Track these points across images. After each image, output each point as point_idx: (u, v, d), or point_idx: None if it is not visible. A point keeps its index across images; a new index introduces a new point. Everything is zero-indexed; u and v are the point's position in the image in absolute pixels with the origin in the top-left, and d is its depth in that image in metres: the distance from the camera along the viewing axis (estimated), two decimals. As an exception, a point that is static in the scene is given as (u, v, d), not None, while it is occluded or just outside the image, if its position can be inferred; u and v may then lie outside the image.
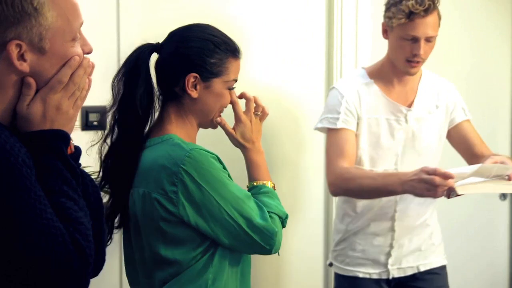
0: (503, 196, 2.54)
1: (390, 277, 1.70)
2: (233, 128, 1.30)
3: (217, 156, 1.21)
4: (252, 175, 1.27)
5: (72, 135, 1.80)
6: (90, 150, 1.86)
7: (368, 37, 2.30)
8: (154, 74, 1.27)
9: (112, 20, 1.89)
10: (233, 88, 1.27)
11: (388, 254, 1.68)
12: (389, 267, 1.70)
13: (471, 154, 1.79)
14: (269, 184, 1.26)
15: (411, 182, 1.44)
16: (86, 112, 1.85)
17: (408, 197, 1.65)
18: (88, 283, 0.92)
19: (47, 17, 0.86)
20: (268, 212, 1.18)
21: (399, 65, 1.66)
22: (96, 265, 0.95)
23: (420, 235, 1.75)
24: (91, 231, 0.90)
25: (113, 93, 1.23)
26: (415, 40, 1.61)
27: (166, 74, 1.22)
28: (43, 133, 0.87)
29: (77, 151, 0.96)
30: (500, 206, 2.59)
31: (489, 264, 2.58)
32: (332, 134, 1.62)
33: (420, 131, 1.72)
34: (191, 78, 1.19)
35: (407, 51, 1.63)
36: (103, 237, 1.00)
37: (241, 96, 1.31)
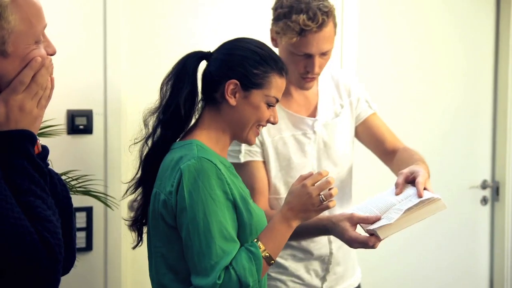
0: (484, 201, 2.51)
1: None
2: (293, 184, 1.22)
3: (225, 178, 1.15)
4: (263, 231, 1.19)
5: (57, 139, 1.84)
6: (75, 153, 1.85)
7: (354, 46, 2.32)
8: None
9: (99, 26, 1.87)
10: (272, 106, 1.24)
11: (323, 279, 1.55)
12: None
13: (382, 151, 1.61)
14: (263, 252, 1.16)
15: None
16: (72, 115, 1.78)
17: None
18: (58, 281, 0.91)
19: (10, 20, 0.86)
20: (232, 267, 1.12)
21: (292, 80, 1.46)
22: (66, 262, 0.96)
23: (350, 256, 1.62)
24: (60, 229, 0.90)
25: (160, 96, 1.23)
26: (309, 56, 1.41)
27: (209, 79, 1.23)
28: (8, 134, 0.87)
29: (45, 150, 0.95)
30: (481, 211, 2.55)
31: (470, 268, 2.60)
32: (237, 169, 1.41)
33: (332, 139, 1.53)
34: (231, 85, 1.19)
35: (300, 67, 1.43)
36: (72, 235, 1.00)
37: (319, 174, 1.18)
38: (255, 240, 1.16)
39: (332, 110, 1.55)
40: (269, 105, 1.23)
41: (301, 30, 1.37)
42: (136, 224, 1.28)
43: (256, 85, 1.21)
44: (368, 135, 1.58)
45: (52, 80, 0.94)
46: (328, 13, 1.38)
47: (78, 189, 1.67)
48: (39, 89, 0.91)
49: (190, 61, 1.23)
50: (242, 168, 1.44)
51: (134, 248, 1.30)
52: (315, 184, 1.16)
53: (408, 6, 2.31)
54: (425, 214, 1.15)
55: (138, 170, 1.25)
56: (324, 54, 1.43)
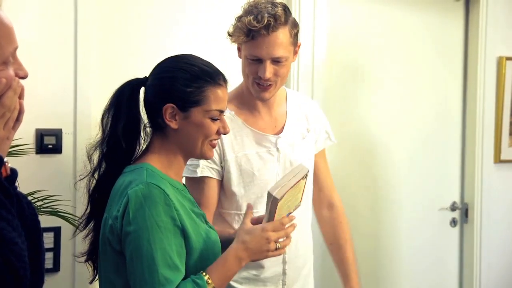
0: (453, 222, 2.53)
1: None
2: (252, 222, 1.23)
3: (174, 204, 1.14)
4: (213, 264, 1.19)
5: (26, 159, 1.81)
6: (44, 173, 1.83)
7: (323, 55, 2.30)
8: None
9: (69, 44, 1.87)
10: (216, 120, 1.22)
11: None
12: None
13: (317, 197, 1.66)
14: (210, 285, 1.15)
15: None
16: (41, 135, 1.76)
17: (296, 237, 1.43)
18: None
19: None
20: None
21: (249, 88, 1.48)
22: (34, 286, 0.94)
23: (307, 280, 1.63)
24: (26, 252, 0.88)
25: (101, 128, 1.22)
26: (259, 60, 1.43)
27: (149, 106, 1.22)
28: None
29: (13, 173, 0.93)
30: (450, 233, 2.55)
31: None
32: (191, 183, 1.43)
33: (297, 159, 1.52)
34: (168, 109, 1.18)
35: (253, 72, 1.44)
36: (40, 259, 0.98)
37: (281, 223, 1.20)
38: (203, 272, 1.15)
39: (300, 132, 1.57)
40: (213, 119, 1.21)
41: (248, 31, 1.40)
42: (92, 258, 1.26)
43: (193, 103, 1.18)
44: (314, 166, 1.61)
45: (21, 104, 0.93)
46: (276, 16, 1.39)
47: (46, 209, 1.65)
48: (6, 111, 0.89)
49: (125, 90, 1.23)
50: (196, 181, 1.44)
51: (90, 282, 1.27)
52: (275, 231, 1.18)
53: (381, 22, 2.36)
54: (298, 176, 1.23)
55: (87, 206, 1.24)
56: (277, 61, 1.43)
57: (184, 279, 1.13)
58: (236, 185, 1.48)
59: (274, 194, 1.17)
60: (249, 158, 1.49)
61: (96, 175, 1.24)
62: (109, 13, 1.94)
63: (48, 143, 1.77)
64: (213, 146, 1.24)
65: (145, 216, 1.11)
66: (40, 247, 1.05)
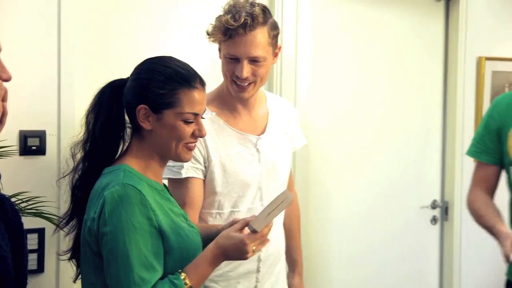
0: (434, 220, 2.56)
1: None
2: (234, 226, 1.23)
3: (150, 204, 1.15)
4: (191, 263, 1.20)
5: (9, 160, 1.81)
6: (28, 175, 1.83)
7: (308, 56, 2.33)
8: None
9: (53, 46, 1.87)
10: (190, 123, 1.21)
11: None
12: None
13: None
14: (186, 285, 1.17)
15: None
16: (25, 136, 1.76)
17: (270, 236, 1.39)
18: None
19: None
20: None
21: (229, 88, 1.51)
22: (17, 287, 0.95)
23: (279, 276, 1.66)
24: (10, 254, 0.89)
25: (85, 127, 1.26)
26: (237, 59, 1.45)
27: (127, 107, 1.24)
28: None
29: None
30: (431, 230, 2.58)
31: (420, 285, 2.64)
32: (176, 184, 1.44)
33: (278, 160, 1.57)
34: (141, 110, 1.20)
35: (230, 71, 1.47)
36: (24, 260, 1.00)
37: (262, 235, 1.21)
38: (181, 272, 1.17)
39: (280, 134, 1.61)
40: (186, 122, 1.20)
41: (226, 30, 1.42)
42: (75, 257, 1.28)
43: (166, 105, 1.19)
44: None
45: (5, 107, 0.93)
46: (254, 16, 1.41)
47: (30, 211, 1.66)
48: None
49: (106, 91, 1.25)
50: (181, 182, 1.46)
51: (74, 281, 1.29)
52: (254, 241, 1.20)
53: (364, 23, 2.38)
54: (282, 205, 1.24)
55: (71, 203, 1.26)
56: (254, 60, 1.45)
57: (162, 278, 1.15)
58: (220, 185, 1.49)
59: (254, 227, 1.20)
60: (232, 159, 1.51)
61: (78, 173, 1.25)
62: (92, 15, 1.94)
63: (31, 144, 1.78)
64: (189, 149, 1.24)
65: (121, 217, 1.12)
66: (23, 249, 1.06)
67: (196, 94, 1.20)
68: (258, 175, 1.54)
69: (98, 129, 1.22)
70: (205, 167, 1.49)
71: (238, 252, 1.20)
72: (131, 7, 2.01)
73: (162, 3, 2.06)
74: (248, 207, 1.53)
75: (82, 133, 1.25)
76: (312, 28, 2.24)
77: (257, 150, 1.54)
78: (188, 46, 2.04)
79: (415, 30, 2.49)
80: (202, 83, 1.23)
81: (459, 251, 2.48)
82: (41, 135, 1.80)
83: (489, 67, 2.53)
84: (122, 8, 1.99)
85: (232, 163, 1.50)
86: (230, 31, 1.41)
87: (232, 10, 1.44)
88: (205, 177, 1.51)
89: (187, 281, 1.16)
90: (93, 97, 1.26)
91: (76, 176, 1.26)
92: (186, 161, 1.26)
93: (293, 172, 1.82)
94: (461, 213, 2.48)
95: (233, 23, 1.40)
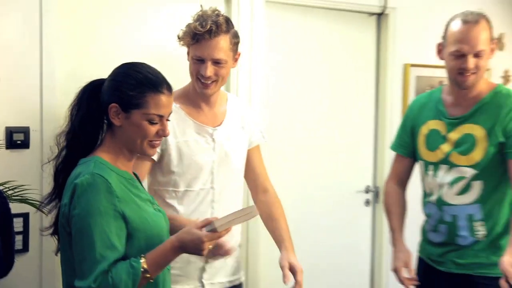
0: (367, 203, 2.70)
1: None
2: (201, 222, 1.28)
3: (115, 192, 1.21)
4: (152, 251, 1.25)
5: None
6: (14, 166, 1.88)
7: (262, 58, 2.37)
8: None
9: (36, 54, 1.90)
10: (155, 123, 1.29)
11: (203, 269, 1.66)
12: (204, 281, 1.68)
13: (254, 184, 1.80)
14: (144, 270, 1.21)
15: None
16: (11, 132, 1.86)
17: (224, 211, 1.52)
18: None
19: None
20: (111, 275, 1.18)
21: (194, 86, 1.65)
22: (5, 265, 1.02)
23: (232, 267, 1.74)
24: None
25: (69, 119, 1.34)
26: (202, 61, 1.59)
27: (102, 104, 1.31)
28: None
29: None
30: (365, 211, 2.73)
31: (355, 258, 2.73)
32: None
33: (232, 151, 1.69)
34: (112, 108, 1.28)
35: (196, 70, 1.61)
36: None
37: (218, 236, 1.24)
38: (142, 257, 1.23)
39: (235, 128, 1.74)
40: (151, 122, 1.28)
41: (194, 35, 1.57)
42: (56, 232, 1.37)
43: (134, 105, 1.27)
44: (249, 163, 1.78)
45: None
46: (218, 24, 1.57)
47: (16, 197, 1.77)
48: None
49: (87, 88, 1.34)
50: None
51: (56, 254, 1.38)
52: (211, 240, 1.25)
53: (310, 32, 2.55)
54: (246, 217, 1.30)
55: (53, 185, 1.35)
56: (217, 62, 1.59)
57: (125, 259, 1.23)
58: (176, 166, 1.62)
59: (216, 226, 1.24)
60: (189, 144, 1.64)
61: (61, 160, 1.33)
62: (72, 20, 2.00)
63: (17, 139, 1.89)
64: (153, 147, 1.31)
65: (88, 201, 1.20)
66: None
67: (162, 98, 1.28)
68: (211, 162, 1.66)
69: (78, 122, 1.31)
70: (162, 149, 1.61)
71: (195, 248, 1.25)
72: (111, 10, 2.07)
73: (141, 8, 2.13)
74: (200, 188, 1.66)
75: (65, 125, 1.34)
76: (266, 38, 2.38)
77: (213, 140, 1.66)
78: (160, 51, 2.13)
79: (352, 40, 2.66)
80: (169, 89, 1.31)
81: (386, 229, 2.61)
82: (25, 131, 1.91)
83: (414, 73, 2.73)
84: (101, 11, 2.05)
85: (188, 148, 1.63)
86: (198, 36, 1.57)
87: (200, 19, 1.59)
88: (160, 159, 1.63)
89: (144, 265, 1.21)
90: (77, 92, 1.35)
91: (59, 162, 1.34)
92: (150, 156, 1.37)
93: (259, 165, 1.85)
94: (389, 196, 2.68)
95: (200, 29, 1.56)
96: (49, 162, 1.36)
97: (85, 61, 2.03)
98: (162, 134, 1.31)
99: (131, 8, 2.13)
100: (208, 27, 1.56)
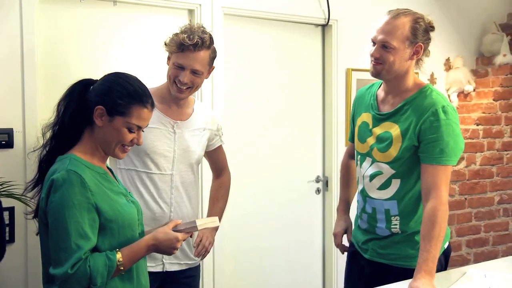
0: (318, 191, 2.86)
1: (164, 270, 1.77)
2: (175, 225, 1.38)
3: (89, 186, 1.26)
4: (127, 247, 1.32)
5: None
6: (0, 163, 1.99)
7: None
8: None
9: (17, 64, 1.98)
10: (133, 132, 1.35)
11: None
12: (164, 261, 1.77)
13: (216, 169, 1.99)
14: (119, 263, 1.29)
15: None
16: None
17: (181, 196, 1.78)
18: None
19: None
20: (89, 265, 1.23)
21: (170, 88, 1.75)
22: None
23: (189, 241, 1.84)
24: None
25: (56, 112, 1.39)
26: (182, 68, 1.71)
27: (89, 102, 1.36)
28: None
29: None
30: (316, 198, 2.88)
31: (308, 239, 2.87)
32: None
33: (191, 145, 1.80)
34: (98, 109, 1.34)
35: (175, 76, 1.72)
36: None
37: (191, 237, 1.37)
38: (117, 250, 1.31)
39: (197, 127, 1.86)
40: (130, 130, 1.36)
41: (180, 45, 1.69)
42: (37, 216, 1.41)
43: (119, 112, 1.34)
44: (215, 160, 1.99)
45: None
46: (204, 40, 1.70)
47: (3, 192, 1.89)
48: None
49: (77, 86, 1.40)
50: None
51: (36, 234, 1.42)
52: (183, 238, 1.37)
53: (262, 41, 2.71)
54: (208, 224, 1.46)
55: (37, 172, 1.42)
56: (195, 72, 1.71)
57: (98, 251, 1.30)
58: (142, 151, 1.71)
59: (178, 228, 1.37)
60: (151, 131, 1.72)
61: (46, 149, 1.39)
62: (54, 22, 2.09)
63: (1, 139, 2.02)
64: (124, 151, 1.39)
65: (63, 195, 1.25)
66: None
67: (145, 112, 1.37)
68: (172, 151, 1.77)
69: (68, 116, 1.36)
70: None
71: (169, 247, 1.35)
72: (93, 15, 2.18)
73: (123, 16, 2.25)
74: (161, 173, 1.76)
75: (52, 118, 1.40)
76: (225, 46, 2.53)
77: (174, 131, 1.77)
78: (141, 59, 2.27)
79: (301, 48, 2.84)
80: (152, 105, 1.40)
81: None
82: (9, 132, 2.03)
83: (355, 76, 2.91)
84: (83, 16, 2.17)
85: (150, 133, 1.72)
86: (183, 46, 1.69)
87: (187, 31, 1.71)
88: None
89: (120, 259, 1.30)
90: (67, 89, 1.40)
91: (44, 151, 1.40)
92: (120, 158, 1.42)
93: (222, 160, 2.04)
94: (337, 185, 2.81)
95: (188, 41, 1.68)
96: (34, 151, 1.42)
97: (63, 73, 2.13)
98: (136, 142, 1.40)
99: (105, 22, 2.25)
100: (195, 41, 1.69)
